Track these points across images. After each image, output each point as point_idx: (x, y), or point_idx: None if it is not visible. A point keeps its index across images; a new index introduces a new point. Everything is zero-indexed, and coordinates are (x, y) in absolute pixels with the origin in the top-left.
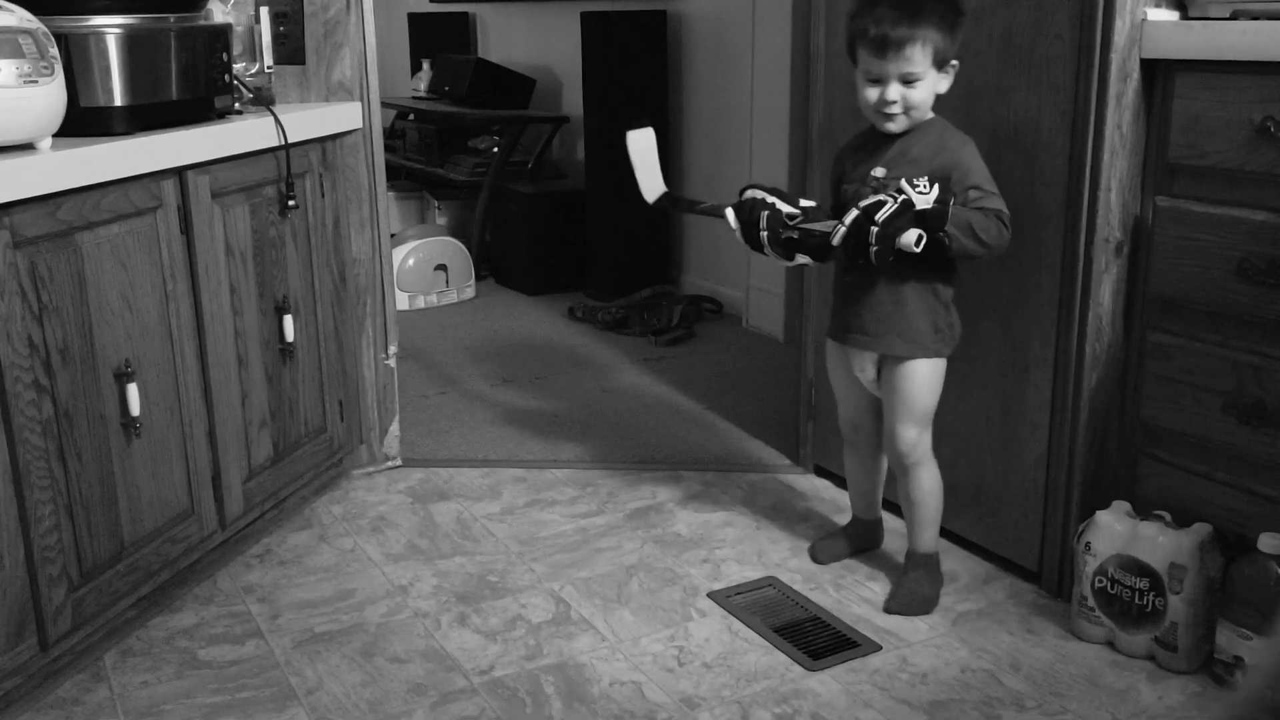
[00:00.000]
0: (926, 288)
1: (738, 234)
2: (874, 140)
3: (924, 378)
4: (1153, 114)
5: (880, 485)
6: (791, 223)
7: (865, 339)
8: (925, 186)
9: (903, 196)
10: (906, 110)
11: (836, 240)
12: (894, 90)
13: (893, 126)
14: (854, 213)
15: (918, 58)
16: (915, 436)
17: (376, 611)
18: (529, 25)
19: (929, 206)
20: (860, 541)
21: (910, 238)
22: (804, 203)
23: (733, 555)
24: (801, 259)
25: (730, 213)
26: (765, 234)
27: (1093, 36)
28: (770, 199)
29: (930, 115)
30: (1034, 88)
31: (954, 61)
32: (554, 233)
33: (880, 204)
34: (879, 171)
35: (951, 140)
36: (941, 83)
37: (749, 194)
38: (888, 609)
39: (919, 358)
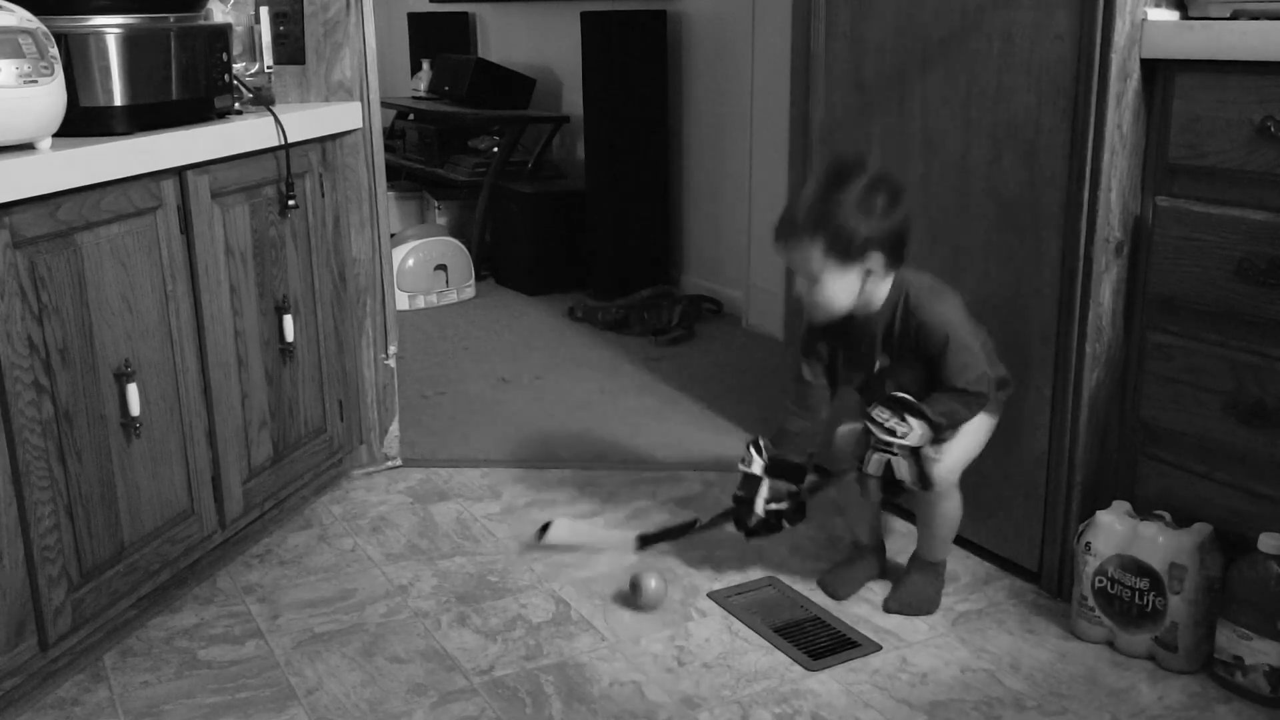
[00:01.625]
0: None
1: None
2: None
3: (978, 427)
4: (1153, 114)
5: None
6: (790, 496)
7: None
8: (909, 426)
9: (905, 444)
10: (816, 304)
11: (874, 498)
12: (800, 283)
13: (814, 317)
14: (871, 481)
15: (802, 259)
16: (953, 467)
17: (376, 611)
18: (529, 25)
19: (926, 440)
20: (872, 569)
21: (929, 457)
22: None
23: (733, 555)
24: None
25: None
26: (786, 519)
27: (1093, 36)
28: (758, 502)
29: (895, 282)
30: (1034, 88)
31: (868, 255)
32: (554, 233)
33: (888, 462)
34: (884, 360)
35: (926, 312)
36: (863, 281)
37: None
38: (887, 608)
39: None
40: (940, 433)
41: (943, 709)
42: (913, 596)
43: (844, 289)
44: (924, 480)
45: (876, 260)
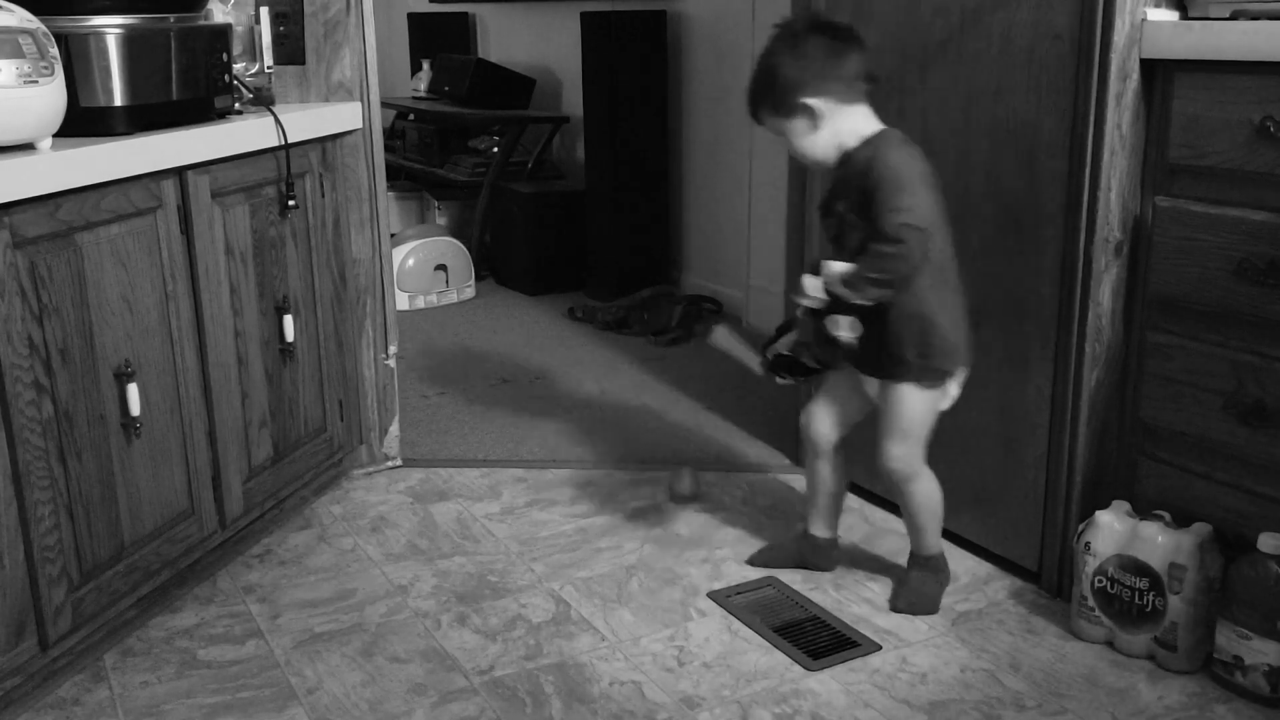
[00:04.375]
0: (910, 316)
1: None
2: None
3: (912, 401)
4: (1153, 114)
5: (841, 500)
6: (792, 351)
7: (857, 364)
8: (815, 288)
9: (800, 311)
10: (803, 157)
11: (812, 361)
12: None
13: (814, 168)
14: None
15: (768, 124)
16: (901, 453)
17: (376, 611)
18: (529, 25)
19: (822, 302)
20: (806, 557)
21: (843, 327)
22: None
23: (733, 555)
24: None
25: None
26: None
27: (1093, 36)
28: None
29: (872, 131)
30: (1034, 88)
31: (805, 102)
32: (554, 233)
33: (793, 326)
34: (840, 207)
35: (877, 160)
36: (817, 123)
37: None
38: (894, 607)
39: (906, 382)
40: (847, 300)
41: (943, 709)
42: (916, 595)
43: (811, 141)
44: (826, 345)
45: (824, 102)
